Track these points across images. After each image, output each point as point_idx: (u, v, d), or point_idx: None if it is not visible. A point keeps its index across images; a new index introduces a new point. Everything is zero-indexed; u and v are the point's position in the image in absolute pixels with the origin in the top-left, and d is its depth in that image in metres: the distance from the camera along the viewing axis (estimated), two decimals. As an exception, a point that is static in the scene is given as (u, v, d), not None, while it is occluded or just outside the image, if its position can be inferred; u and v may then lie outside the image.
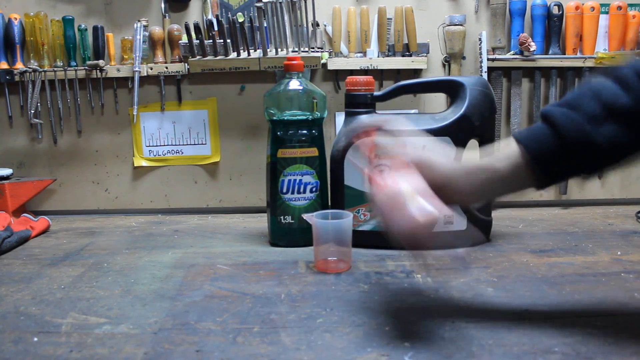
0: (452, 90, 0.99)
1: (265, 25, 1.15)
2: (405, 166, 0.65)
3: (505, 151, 0.63)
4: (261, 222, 1.15)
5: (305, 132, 0.98)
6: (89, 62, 1.22)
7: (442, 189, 0.63)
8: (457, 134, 0.94)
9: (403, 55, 1.22)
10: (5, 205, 1.16)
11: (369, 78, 0.99)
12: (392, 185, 0.62)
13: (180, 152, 1.29)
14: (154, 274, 0.87)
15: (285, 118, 0.97)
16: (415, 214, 0.59)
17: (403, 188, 0.61)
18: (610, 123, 0.57)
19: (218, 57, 1.16)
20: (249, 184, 1.30)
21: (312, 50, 1.17)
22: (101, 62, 1.21)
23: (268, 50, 1.16)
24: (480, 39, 1.21)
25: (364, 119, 0.98)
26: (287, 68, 0.98)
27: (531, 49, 1.18)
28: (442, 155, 0.67)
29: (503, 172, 0.62)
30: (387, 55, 1.23)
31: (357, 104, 0.99)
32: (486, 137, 0.98)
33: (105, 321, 0.69)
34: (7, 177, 1.20)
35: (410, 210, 0.59)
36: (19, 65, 1.22)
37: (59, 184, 1.30)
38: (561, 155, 0.59)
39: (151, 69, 1.23)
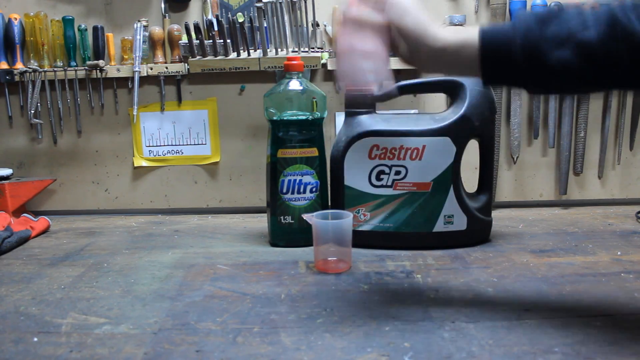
0: (452, 90, 0.99)
1: (265, 25, 1.15)
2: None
3: (466, 31, 0.63)
4: (261, 222, 1.15)
5: (305, 132, 0.98)
6: (89, 62, 1.22)
7: (397, 36, 0.64)
8: (457, 134, 0.94)
9: (403, 55, 1.22)
10: (5, 205, 1.16)
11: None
12: (362, 13, 0.64)
13: (180, 152, 1.29)
14: (154, 274, 0.87)
15: (285, 118, 0.97)
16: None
17: (368, 20, 0.63)
18: (566, 48, 0.57)
19: (218, 57, 1.16)
20: (249, 184, 1.30)
21: (312, 50, 1.17)
22: (101, 62, 1.21)
23: (268, 50, 1.16)
24: (480, 39, 1.21)
25: (367, 121, 0.98)
26: (287, 68, 0.98)
27: (531, 49, 1.18)
28: (418, 8, 0.65)
29: (454, 49, 0.62)
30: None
31: (357, 104, 0.99)
32: (486, 137, 0.98)
33: (105, 321, 0.69)
34: (7, 177, 1.20)
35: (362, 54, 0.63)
36: (19, 65, 1.22)
37: (59, 184, 1.30)
38: (509, 59, 0.60)
39: (151, 69, 1.23)
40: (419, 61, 0.65)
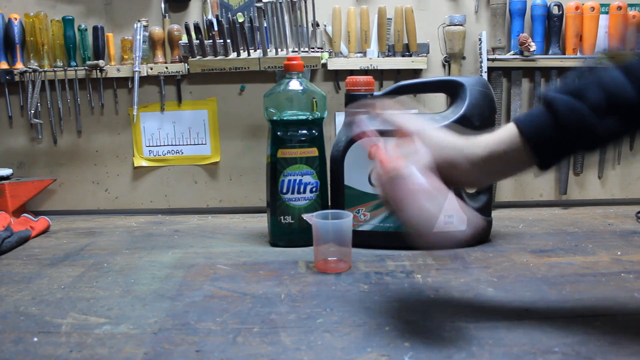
0: (452, 90, 0.99)
1: (265, 25, 1.15)
2: (409, 139, 0.64)
3: (503, 132, 0.63)
4: (261, 222, 1.15)
5: (305, 132, 0.98)
6: (89, 62, 1.22)
7: (442, 166, 0.63)
8: (457, 133, 0.94)
9: (403, 56, 1.22)
10: (5, 205, 1.16)
11: (369, 78, 0.99)
12: (400, 167, 0.62)
13: (180, 152, 1.29)
14: (154, 274, 0.87)
15: (285, 118, 0.97)
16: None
17: (411, 172, 0.61)
18: (612, 115, 0.57)
19: (218, 57, 1.16)
20: (249, 184, 1.30)
21: (312, 50, 1.17)
22: (101, 62, 1.21)
23: (268, 50, 1.16)
24: (480, 39, 1.21)
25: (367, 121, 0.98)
26: (287, 68, 0.98)
27: (531, 49, 1.18)
28: (442, 131, 0.66)
29: (501, 151, 0.62)
30: (387, 56, 1.23)
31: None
32: (486, 137, 0.98)
33: (105, 321, 0.69)
34: (7, 177, 1.20)
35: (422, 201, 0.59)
36: (19, 65, 1.22)
37: (59, 184, 1.30)
38: (559, 142, 0.60)
39: (151, 69, 1.23)
40: (472, 177, 0.64)
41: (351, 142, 0.96)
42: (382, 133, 0.69)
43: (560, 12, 1.20)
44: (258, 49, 1.18)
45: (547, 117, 0.60)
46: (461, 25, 1.20)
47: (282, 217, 0.99)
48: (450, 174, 0.63)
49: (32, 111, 1.22)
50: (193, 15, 1.25)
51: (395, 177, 0.61)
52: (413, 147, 0.64)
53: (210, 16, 1.21)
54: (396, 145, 0.65)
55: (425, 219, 0.59)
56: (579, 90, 0.59)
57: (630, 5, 1.21)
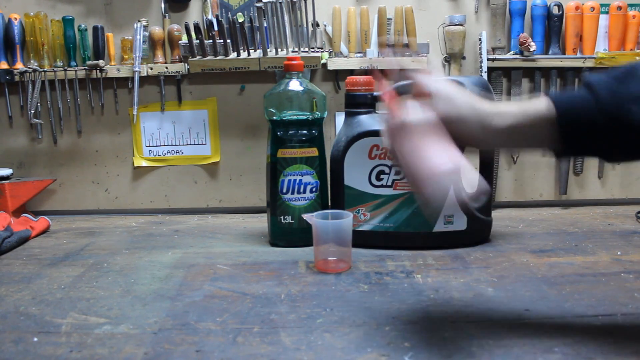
0: (452, 90, 0.98)
1: (265, 25, 1.15)
2: (425, 95, 0.62)
3: (533, 104, 0.59)
4: (261, 222, 1.15)
5: (305, 132, 0.98)
6: (89, 62, 1.22)
7: (455, 126, 0.60)
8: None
9: (403, 55, 1.22)
10: (5, 205, 1.16)
11: (369, 78, 0.99)
12: (409, 118, 0.60)
13: (180, 152, 1.29)
14: (154, 274, 0.87)
15: (285, 118, 0.97)
16: (437, 162, 0.57)
17: (419, 123, 0.60)
18: None
19: (218, 57, 1.16)
20: (249, 184, 1.30)
21: (312, 50, 1.17)
22: (101, 62, 1.21)
23: (268, 50, 1.16)
24: (480, 39, 1.21)
25: (367, 121, 0.98)
26: (287, 68, 0.98)
27: (531, 49, 1.18)
28: (464, 93, 0.63)
29: (524, 125, 0.58)
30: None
31: (357, 104, 0.99)
32: (486, 137, 0.98)
33: (105, 321, 0.69)
34: (7, 177, 1.20)
35: (430, 154, 0.58)
36: (19, 65, 1.22)
37: (59, 184, 1.30)
38: (592, 127, 0.56)
39: (151, 69, 1.23)
40: (484, 142, 0.62)
41: (351, 142, 0.96)
42: (403, 92, 0.67)
43: (560, 12, 1.20)
44: (258, 49, 1.18)
45: (586, 95, 0.56)
46: (461, 25, 1.20)
47: (282, 217, 0.99)
48: (461, 132, 0.60)
49: (32, 111, 1.22)
50: (193, 15, 1.25)
51: (402, 125, 0.60)
52: (427, 102, 0.61)
53: (210, 16, 1.21)
54: (412, 99, 0.63)
55: (431, 173, 0.57)
56: (622, 77, 0.56)
57: (630, 5, 1.21)
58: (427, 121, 0.60)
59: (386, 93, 0.65)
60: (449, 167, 0.57)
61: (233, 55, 1.16)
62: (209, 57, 1.15)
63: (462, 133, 0.61)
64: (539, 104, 0.59)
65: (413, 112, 0.61)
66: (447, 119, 0.60)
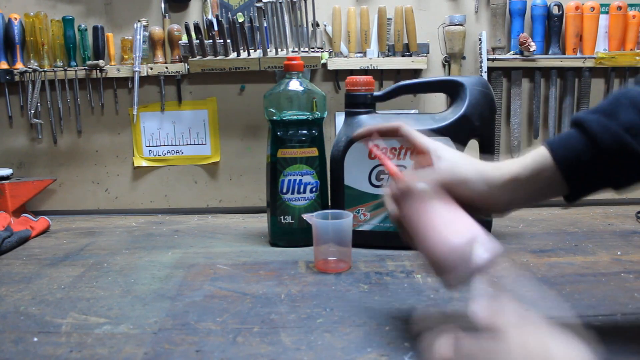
0: (452, 90, 0.99)
1: (265, 25, 1.15)
2: (422, 152, 0.62)
3: (531, 155, 0.59)
4: (261, 222, 1.15)
5: (305, 132, 0.98)
6: (89, 62, 1.22)
7: (459, 188, 0.59)
8: (457, 134, 0.94)
9: (403, 55, 1.22)
10: (5, 205, 1.16)
11: (369, 78, 0.99)
12: (413, 182, 0.58)
13: (180, 152, 1.29)
14: (154, 274, 0.87)
15: (285, 118, 0.97)
16: (453, 232, 0.54)
17: (425, 187, 0.58)
18: None
19: (218, 57, 1.16)
20: (249, 184, 1.30)
21: (312, 50, 1.17)
22: (101, 62, 1.21)
23: (268, 50, 1.16)
24: (480, 39, 1.21)
25: (367, 120, 0.98)
26: (287, 68, 0.98)
27: (531, 49, 1.18)
28: (463, 154, 0.63)
29: (527, 175, 0.58)
30: (387, 55, 1.23)
31: (357, 104, 0.99)
32: (486, 137, 0.98)
33: (105, 321, 0.69)
34: (7, 177, 1.20)
35: (443, 224, 0.55)
36: (19, 65, 1.22)
37: (59, 184, 1.30)
38: (593, 165, 0.56)
39: (151, 69, 1.23)
40: (490, 200, 0.60)
41: (351, 142, 0.96)
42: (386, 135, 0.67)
43: (560, 12, 1.20)
44: (258, 49, 1.18)
45: (579, 137, 0.56)
46: (461, 25, 1.20)
47: (282, 217, 0.99)
48: (464, 195, 0.59)
49: (32, 111, 1.22)
50: (193, 15, 1.25)
51: (407, 190, 0.58)
52: (428, 164, 0.60)
53: (210, 16, 1.21)
54: (412, 162, 0.62)
55: (447, 249, 0.53)
56: (608, 110, 0.55)
57: (630, 5, 1.21)
58: (432, 184, 0.58)
59: (374, 146, 0.65)
60: (467, 237, 0.54)
61: (233, 55, 1.16)
62: (209, 57, 1.15)
63: (466, 195, 0.60)
64: (536, 154, 0.59)
65: (415, 175, 0.60)
66: (452, 182, 0.60)
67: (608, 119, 0.55)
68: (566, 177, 0.57)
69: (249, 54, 1.15)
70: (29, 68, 1.21)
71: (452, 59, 1.24)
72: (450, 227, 0.55)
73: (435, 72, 1.26)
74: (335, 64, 1.21)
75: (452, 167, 0.61)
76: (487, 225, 1.00)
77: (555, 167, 0.57)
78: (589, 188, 0.60)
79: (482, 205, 0.60)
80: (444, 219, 0.56)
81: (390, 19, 1.21)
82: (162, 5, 1.24)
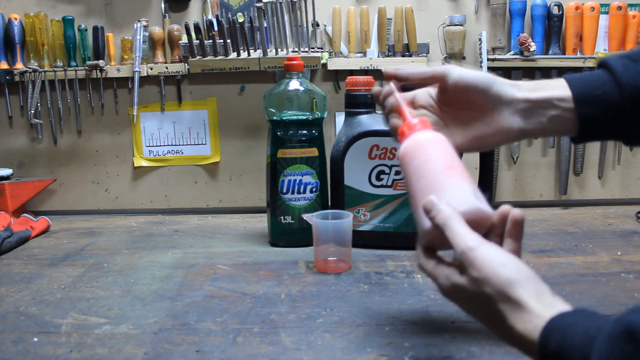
0: (452, 90, 0.98)
1: (265, 25, 1.15)
2: (438, 79, 0.60)
3: (549, 84, 0.57)
4: (261, 222, 1.15)
5: (305, 132, 0.98)
6: (89, 62, 1.22)
7: (470, 95, 0.58)
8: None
9: (403, 56, 1.22)
10: (5, 205, 1.16)
11: (369, 78, 0.99)
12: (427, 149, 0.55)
13: (180, 152, 1.29)
14: (154, 274, 0.87)
15: (285, 118, 0.97)
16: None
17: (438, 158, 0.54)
18: None
19: (218, 57, 1.16)
20: (249, 184, 1.30)
21: (312, 50, 1.17)
22: (101, 62, 1.21)
23: (268, 50, 1.16)
24: (480, 39, 1.21)
25: (367, 121, 0.97)
26: (287, 68, 0.98)
27: (531, 49, 1.18)
28: (481, 73, 0.61)
29: (540, 100, 0.56)
30: (387, 56, 1.23)
31: (357, 104, 0.99)
32: (486, 137, 0.98)
33: (105, 321, 0.69)
34: (7, 177, 1.20)
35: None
36: (19, 66, 1.22)
37: (59, 184, 1.30)
38: (610, 105, 0.54)
39: (151, 69, 1.23)
40: (499, 117, 0.58)
41: (351, 142, 0.96)
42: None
43: (560, 12, 1.20)
44: (258, 49, 1.18)
45: (601, 75, 0.54)
46: (461, 25, 1.20)
47: (282, 217, 0.99)
48: (475, 103, 0.58)
49: (32, 111, 1.22)
50: (193, 15, 1.25)
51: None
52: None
53: (210, 16, 1.21)
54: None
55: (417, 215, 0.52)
56: (636, 56, 0.54)
57: (630, 5, 1.21)
58: (434, 133, 0.57)
59: (394, 86, 0.62)
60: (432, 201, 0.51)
61: (233, 55, 1.16)
62: (209, 57, 1.15)
63: (475, 104, 0.58)
64: (553, 83, 0.57)
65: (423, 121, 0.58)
66: (462, 84, 0.58)
67: (634, 63, 0.53)
68: (581, 114, 0.55)
69: (249, 54, 1.15)
70: (29, 68, 1.21)
71: (452, 59, 1.24)
72: (427, 191, 0.53)
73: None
74: (335, 64, 1.21)
75: (461, 75, 0.59)
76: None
77: (572, 101, 0.55)
78: (600, 133, 0.56)
79: (491, 122, 0.58)
80: (428, 181, 0.53)
81: (390, 19, 1.21)
82: (162, 5, 1.24)
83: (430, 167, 0.54)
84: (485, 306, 0.47)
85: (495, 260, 0.47)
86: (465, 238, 0.49)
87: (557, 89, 0.56)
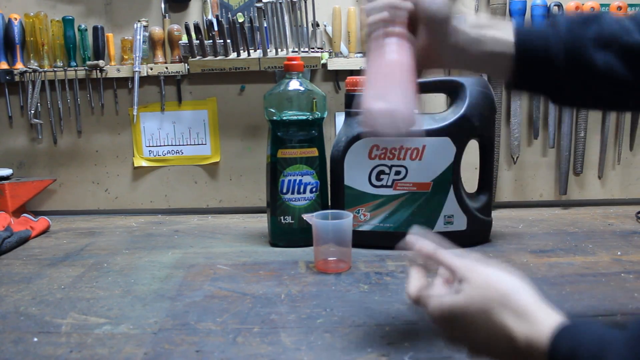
0: (452, 90, 0.99)
1: (265, 25, 1.15)
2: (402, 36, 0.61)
3: (499, 22, 0.59)
4: (261, 222, 1.15)
5: (305, 132, 0.98)
6: (89, 63, 1.22)
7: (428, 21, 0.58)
8: (457, 134, 0.94)
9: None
10: (5, 205, 1.16)
11: (369, 78, 0.99)
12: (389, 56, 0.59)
13: (180, 153, 1.29)
14: (154, 274, 0.87)
15: (285, 118, 0.97)
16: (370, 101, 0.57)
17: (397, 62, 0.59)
18: (610, 51, 0.53)
19: (218, 57, 1.16)
20: (249, 184, 1.30)
21: (312, 50, 1.17)
22: (101, 62, 1.21)
23: (268, 50, 1.16)
24: (480, 39, 1.21)
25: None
26: (287, 68, 0.98)
27: (531, 49, 1.18)
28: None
29: (486, 37, 0.58)
30: (387, 56, 1.22)
31: (357, 104, 0.99)
32: (486, 137, 0.98)
33: (105, 321, 0.69)
34: (7, 177, 1.20)
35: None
36: (19, 66, 1.22)
37: (59, 184, 1.30)
38: (547, 59, 0.55)
39: (151, 69, 1.23)
40: (443, 51, 0.59)
41: (351, 142, 0.96)
42: None
43: (560, 12, 1.20)
44: (258, 49, 1.18)
45: (548, 31, 0.56)
46: (461, 25, 1.20)
47: (282, 217, 0.99)
48: (420, 34, 0.59)
49: (32, 111, 1.22)
50: (193, 15, 1.25)
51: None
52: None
53: (210, 16, 1.21)
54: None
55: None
56: (583, 20, 0.55)
57: (631, 5, 1.21)
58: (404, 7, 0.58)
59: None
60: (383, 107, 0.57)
61: (233, 55, 1.16)
62: (209, 57, 1.15)
63: (420, 34, 0.59)
64: (503, 24, 0.58)
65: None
66: (419, 9, 0.59)
67: (581, 25, 0.55)
68: (519, 60, 0.57)
69: (249, 54, 1.15)
70: (29, 68, 1.21)
71: (452, 59, 1.24)
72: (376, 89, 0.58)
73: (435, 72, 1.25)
74: (335, 64, 1.21)
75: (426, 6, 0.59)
76: (487, 225, 1.00)
77: (513, 45, 0.57)
78: (532, 84, 0.59)
79: (428, 52, 0.59)
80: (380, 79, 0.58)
81: (390, 19, 1.21)
82: (162, 5, 1.24)
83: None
84: (484, 322, 0.46)
85: (494, 272, 0.48)
86: (458, 259, 0.50)
87: (503, 30, 0.58)
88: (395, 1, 0.59)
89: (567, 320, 0.44)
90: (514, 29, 0.58)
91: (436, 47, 0.59)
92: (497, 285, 0.46)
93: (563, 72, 0.55)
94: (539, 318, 0.44)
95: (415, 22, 0.60)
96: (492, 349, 0.47)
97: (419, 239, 0.55)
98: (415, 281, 0.54)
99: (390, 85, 0.58)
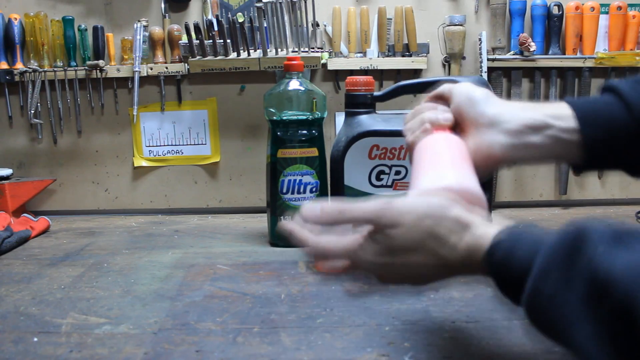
0: (452, 90, 0.98)
1: (265, 25, 1.15)
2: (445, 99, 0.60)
3: (550, 107, 0.53)
4: (261, 222, 1.14)
5: (305, 132, 0.98)
6: (89, 62, 1.22)
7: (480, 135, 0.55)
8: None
9: (403, 56, 1.22)
10: (5, 205, 1.16)
11: (369, 78, 0.99)
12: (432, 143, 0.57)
13: (180, 152, 1.29)
14: (154, 274, 0.87)
15: (285, 118, 0.97)
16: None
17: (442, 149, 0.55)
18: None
19: (218, 57, 1.16)
20: (249, 184, 1.30)
21: (312, 50, 1.17)
22: (101, 62, 1.21)
23: (268, 50, 1.16)
24: (480, 39, 1.21)
25: (366, 121, 0.98)
26: (287, 68, 0.98)
27: (531, 49, 1.18)
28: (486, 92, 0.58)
29: (540, 125, 0.52)
30: (387, 56, 1.23)
31: (357, 104, 0.99)
32: (486, 137, 0.98)
33: (105, 321, 0.69)
34: (7, 177, 1.20)
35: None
36: (19, 66, 1.22)
37: (59, 184, 1.30)
38: (617, 132, 0.49)
39: (151, 69, 1.23)
40: (496, 146, 0.54)
41: (351, 142, 0.96)
42: None
43: (560, 12, 1.20)
44: (258, 49, 1.18)
45: (610, 101, 0.50)
46: (461, 25, 1.20)
47: (282, 217, 0.99)
48: (474, 119, 0.55)
49: (32, 111, 1.22)
50: (193, 15, 1.25)
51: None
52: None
53: (210, 16, 1.21)
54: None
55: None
56: None
57: (630, 5, 1.21)
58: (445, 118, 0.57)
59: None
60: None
61: (233, 55, 1.16)
62: (209, 57, 1.15)
63: (475, 120, 0.56)
64: (557, 108, 0.52)
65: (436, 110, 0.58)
66: (464, 102, 0.57)
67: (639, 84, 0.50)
68: (585, 141, 0.50)
69: (249, 54, 1.15)
70: (29, 68, 1.21)
71: (452, 59, 1.24)
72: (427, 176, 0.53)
73: (435, 72, 1.26)
74: (335, 64, 1.21)
75: (467, 90, 0.58)
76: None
77: (573, 118, 0.50)
78: (605, 161, 0.52)
79: (488, 140, 0.54)
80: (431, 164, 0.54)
81: (390, 19, 1.21)
82: (162, 5, 1.24)
83: (429, 155, 0.56)
84: (422, 246, 0.45)
85: (419, 198, 0.47)
86: (370, 203, 0.47)
87: (556, 108, 0.52)
88: (435, 115, 0.57)
89: (511, 225, 0.43)
90: (569, 103, 0.52)
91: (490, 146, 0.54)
92: (431, 205, 0.45)
93: (638, 138, 0.49)
94: (479, 226, 0.44)
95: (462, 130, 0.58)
96: (432, 270, 0.47)
97: (316, 205, 0.50)
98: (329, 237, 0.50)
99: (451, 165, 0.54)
